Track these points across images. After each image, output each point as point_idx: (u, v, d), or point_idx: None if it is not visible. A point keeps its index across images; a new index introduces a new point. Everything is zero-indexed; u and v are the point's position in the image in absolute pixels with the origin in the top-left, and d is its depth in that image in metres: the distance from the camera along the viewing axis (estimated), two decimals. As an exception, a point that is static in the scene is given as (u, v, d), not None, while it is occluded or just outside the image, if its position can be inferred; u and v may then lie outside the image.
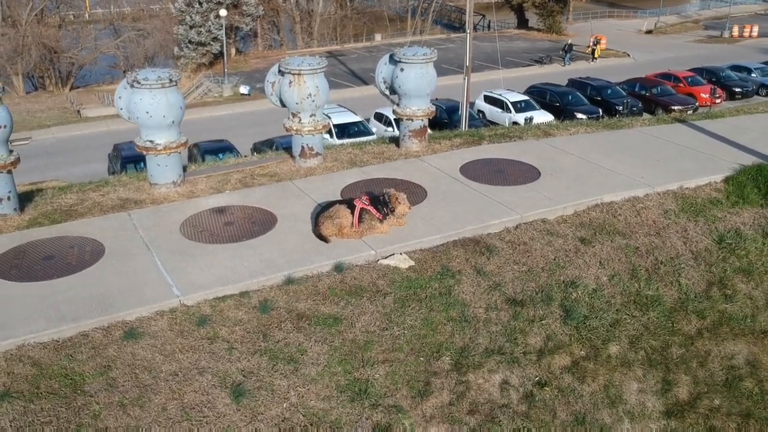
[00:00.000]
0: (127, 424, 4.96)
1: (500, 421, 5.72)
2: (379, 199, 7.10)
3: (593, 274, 7.02)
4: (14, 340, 5.45)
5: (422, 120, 9.57)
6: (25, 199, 8.07)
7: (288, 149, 9.59)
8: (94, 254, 6.76)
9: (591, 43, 53.07)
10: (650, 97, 36.33)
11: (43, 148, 34.62)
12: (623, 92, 36.40)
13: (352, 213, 6.99)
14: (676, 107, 34.11)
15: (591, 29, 61.82)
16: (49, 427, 4.85)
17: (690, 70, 40.52)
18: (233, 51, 56.98)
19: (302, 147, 9.00)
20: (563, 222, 7.69)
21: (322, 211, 7.18)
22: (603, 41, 56.23)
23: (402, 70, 9.19)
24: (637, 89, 37.44)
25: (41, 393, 5.10)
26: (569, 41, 53.30)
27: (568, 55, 51.36)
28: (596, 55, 52.17)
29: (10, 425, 4.84)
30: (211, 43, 52.62)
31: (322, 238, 6.98)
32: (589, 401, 6.10)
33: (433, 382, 5.76)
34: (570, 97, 35.16)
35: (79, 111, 45.74)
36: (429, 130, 13.97)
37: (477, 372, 5.93)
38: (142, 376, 5.32)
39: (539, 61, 51.46)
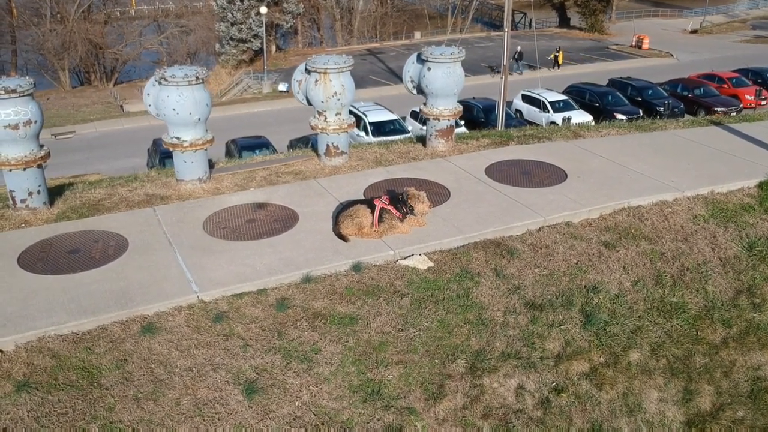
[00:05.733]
0: (140, 417, 5.03)
1: (514, 426, 5.66)
2: (398, 198, 7.08)
3: (616, 280, 6.90)
4: (35, 331, 5.57)
5: (449, 120, 9.50)
6: (55, 193, 8.24)
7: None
8: (118, 249, 6.87)
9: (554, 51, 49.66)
10: (693, 99, 35.50)
11: (86, 142, 35.42)
12: (665, 93, 35.65)
13: (372, 212, 6.98)
14: (719, 109, 33.23)
15: (634, 28, 60.76)
16: (65, 418, 4.95)
17: (735, 71, 39.44)
18: (273, 48, 57.42)
19: (327, 145, 9.02)
20: (588, 225, 7.57)
21: (342, 210, 7.18)
22: (644, 39, 55.30)
23: (429, 69, 9.14)
24: (679, 90, 36.63)
25: (59, 385, 5.20)
26: (519, 48, 47.15)
27: (519, 63, 47.10)
28: (560, 62, 48.71)
29: (28, 415, 4.95)
30: (252, 40, 53.12)
31: (342, 237, 6.98)
32: (606, 409, 6.00)
33: (447, 384, 5.72)
34: (609, 98, 34.57)
35: (122, 106, 46.67)
36: (465, 129, 13.83)
37: (492, 376, 5.87)
38: (157, 371, 5.39)
39: (492, 68, 45.93)
